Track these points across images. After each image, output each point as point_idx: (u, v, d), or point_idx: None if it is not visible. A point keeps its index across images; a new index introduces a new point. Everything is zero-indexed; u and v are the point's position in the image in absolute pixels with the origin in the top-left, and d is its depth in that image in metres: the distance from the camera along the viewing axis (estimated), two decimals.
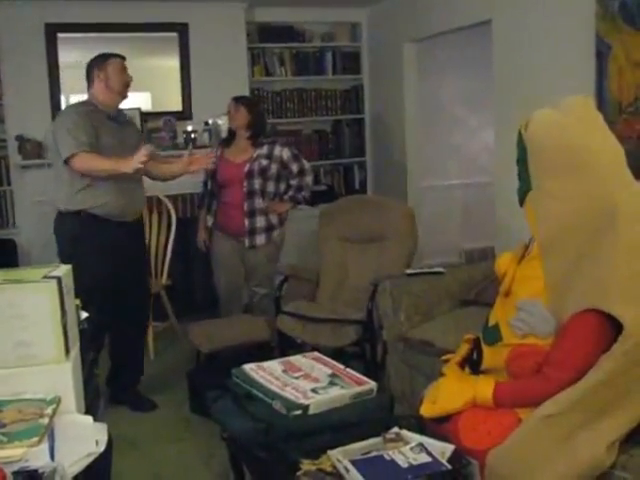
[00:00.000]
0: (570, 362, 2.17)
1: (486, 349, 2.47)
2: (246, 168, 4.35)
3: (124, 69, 3.75)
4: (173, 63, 5.84)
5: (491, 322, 2.48)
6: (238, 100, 4.52)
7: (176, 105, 5.83)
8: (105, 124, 3.67)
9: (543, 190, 2.33)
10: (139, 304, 3.98)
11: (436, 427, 2.33)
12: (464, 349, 2.63)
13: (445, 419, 2.33)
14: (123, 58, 3.78)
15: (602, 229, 2.20)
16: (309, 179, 4.53)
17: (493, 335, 2.43)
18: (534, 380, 2.24)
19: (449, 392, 2.36)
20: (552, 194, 2.30)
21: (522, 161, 2.40)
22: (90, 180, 3.58)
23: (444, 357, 2.76)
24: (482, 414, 2.26)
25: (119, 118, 3.80)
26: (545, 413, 2.12)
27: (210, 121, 5.76)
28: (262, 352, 4.12)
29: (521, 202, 2.44)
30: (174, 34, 5.81)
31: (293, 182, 4.49)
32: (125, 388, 4.01)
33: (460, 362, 2.60)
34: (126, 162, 3.44)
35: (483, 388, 2.29)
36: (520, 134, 2.41)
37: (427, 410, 2.38)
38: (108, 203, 3.61)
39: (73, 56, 5.55)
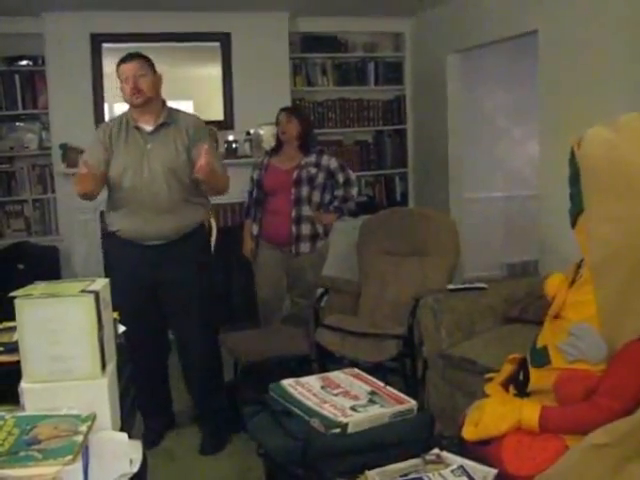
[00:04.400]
0: (624, 391, 2.09)
1: (533, 371, 2.39)
2: (294, 175, 4.33)
3: (129, 75, 3.36)
4: (215, 72, 5.86)
5: (539, 344, 2.41)
6: (289, 111, 4.50)
7: (218, 114, 5.83)
8: (129, 137, 3.44)
9: (595, 212, 2.24)
10: (184, 335, 3.64)
11: (478, 450, 2.27)
12: (508, 369, 2.56)
13: (487, 442, 2.27)
14: (135, 57, 3.41)
15: None
16: (354, 190, 4.50)
17: (541, 358, 2.36)
18: (584, 407, 2.16)
19: (493, 415, 2.29)
20: (604, 216, 2.21)
21: (574, 181, 2.32)
22: (110, 204, 3.51)
23: (488, 375, 2.69)
24: (527, 439, 2.19)
25: (156, 130, 3.44)
26: (595, 442, 2.01)
27: (252, 131, 5.77)
28: (301, 365, 4.09)
29: (573, 224, 2.36)
30: (216, 44, 5.83)
31: (338, 193, 4.46)
32: (201, 414, 3.79)
33: (503, 382, 2.53)
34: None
35: (529, 412, 2.21)
36: (572, 153, 2.33)
37: (469, 433, 2.31)
38: (122, 229, 3.47)
39: None
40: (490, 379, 2.64)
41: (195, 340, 3.60)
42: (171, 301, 3.56)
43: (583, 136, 2.29)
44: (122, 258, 3.52)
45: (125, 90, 3.40)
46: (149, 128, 3.45)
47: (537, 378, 2.36)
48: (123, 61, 3.41)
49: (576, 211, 2.33)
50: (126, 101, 3.44)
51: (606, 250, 2.21)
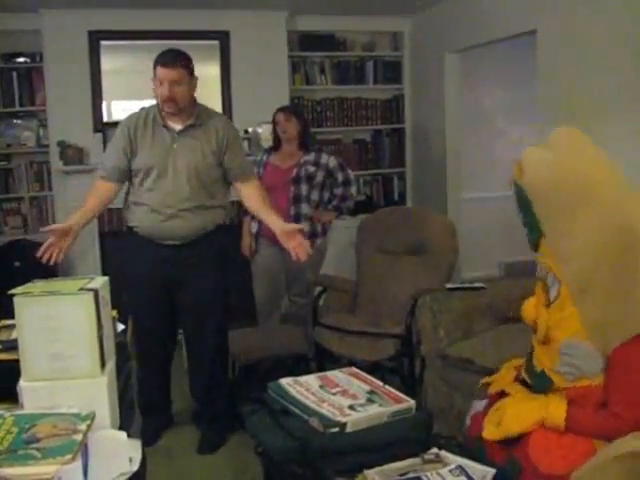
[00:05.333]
0: (635, 398, 2.08)
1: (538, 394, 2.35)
2: (293, 173, 4.33)
3: (164, 81, 3.27)
4: (214, 71, 5.85)
5: (538, 367, 2.37)
6: (288, 110, 4.49)
7: None
8: (156, 134, 3.39)
9: (557, 232, 2.23)
10: (194, 334, 3.61)
11: (500, 451, 2.23)
12: (511, 375, 2.52)
13: (511, 441, 2.22)
14: (177, 63, 3.29)
15: (629, 252, 2.11)
16: (353, 189, 4.49)
17: (543, 382, 2.32)
18: (606, 418, 2.13)
19: (516, 412, 2.25)
20: (567, 234, 2.20)
21: (525, 209, 2.31)
22: (131, 199, 3.48)
23: (484, 380, 2.66)
24: (554, 436, 2.15)
25: (185, 130, 3.40)
26: (630, 450, 1.95)
27: (250, 129, 5.77)
28: (298, 363, 4.09)
29: (535, 248, 2.35)
30: (215, 42, 5.83)
31: (337, 191, 4.45)
32: (199, 413, 3.80)
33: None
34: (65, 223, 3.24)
35: (555, 410, 2.18)
36: (515, 182, 2.33)
37: (491, 433, 2.27)
38: (140, 226, 3.46)
39: (115, 63, 5.61)
40: (487, 384, 2.62)
41: (206, 342, 3.58)
42: (185, 301, 3.54)
43: (522, 164, 2.30)
44: (138, 255, 3.51)
45: (157, 93, 3.33)
46: (178, 127, 3.40)
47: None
48: (163, 64, 3.29)
49: (536, 236, 2.31)
50: (158, 102, 3.38)
51: (579, 265, 2.19)
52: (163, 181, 3.36)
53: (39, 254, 3.11)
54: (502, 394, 2.46)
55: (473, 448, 2.35)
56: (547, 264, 2.30)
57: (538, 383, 2.36)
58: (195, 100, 3.47)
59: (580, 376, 2.21)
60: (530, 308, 2.42)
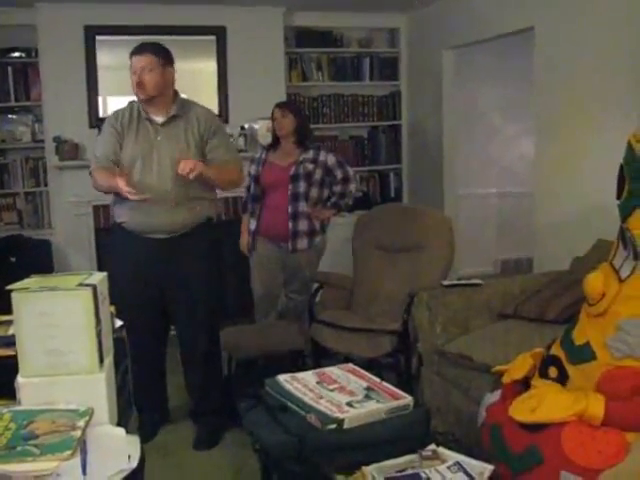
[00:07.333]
0: None
1: (573, 369, 2.33)
2: (292, 171, 4.31)
3: (135, 69, 3.36)
4: (210, 66, 5.84)
5: (579, 341, 2.35)
6: (284, 106, 4.47)
7: (212, 109, 5.79)
8: (140, 128, 3.42)
9: None
10: (185, 328, 3.60)
11: (521, 437, 2.22)
12: (528, 364, 2.49)
13: (536, 430, 2.20)
14: (147, 50, 3.39)
15: None
16: (353, 187, 4.47)
17: (583, 354, 2.30)
18: None
19: (556, 400, 2.22)
20: None
21: (637, 174, 2.28)
22: (115, 196, 3.45)
23: (496, 369, 2.66)
24: (587, 430, 2.12)
25: (167, 122, 3.43)
26: None
27: (246, 125, 5.76)
28: (295, 360, 4.09)
29: (626, 216, 2.33)
30: (212, 37, 5.81)
31: (336, 189, 4.44)
32: (195, 410, 3.78)
33: (523, 380, 2.47)
34: (117, 180, 3.19)
35: (594, 405, 2.14)
36: (631, 146, 2.29)
37: (525, 416, 2.23)
38: (127, 221, 3.45)
39: (111, 58, 5.58)
40: (498, 372, 2.60)
41: (199, 338, 3.58)
42: (176, 297, 3.53)
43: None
44: (127, 250, 3.49)
45: (132, 82, 3.38)
46: (160, 120, 3.43)
47: (577, 375, 2.30)
48: (134, 52, 3.39)
49: (634, 204, 2.29)
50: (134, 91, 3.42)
51: None
52: (148, 174, 3.36)
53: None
54: (518, 385, 2.44)
55: (489, 437, 2.36)
56: (636, 235, 2.26)
57: (576, 355, 2.33)
58: (176, 92, 3.49)
59: (628, 355, 2.19)
60: (597, 281, 2.37)
